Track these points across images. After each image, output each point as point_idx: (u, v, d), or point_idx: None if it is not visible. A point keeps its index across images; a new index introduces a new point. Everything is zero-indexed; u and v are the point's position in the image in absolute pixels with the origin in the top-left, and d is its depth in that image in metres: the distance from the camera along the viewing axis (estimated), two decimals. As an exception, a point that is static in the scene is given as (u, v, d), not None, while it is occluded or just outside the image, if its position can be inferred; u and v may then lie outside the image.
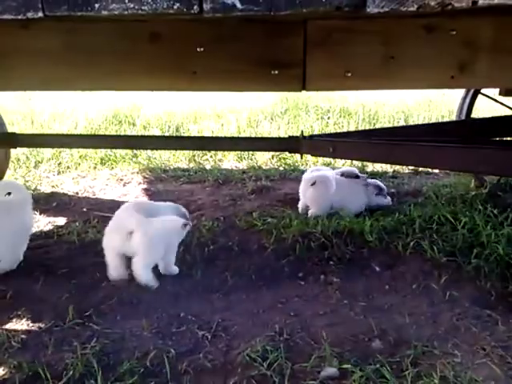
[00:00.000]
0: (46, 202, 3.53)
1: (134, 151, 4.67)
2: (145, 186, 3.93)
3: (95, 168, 4.44)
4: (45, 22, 1.77)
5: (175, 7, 1.42)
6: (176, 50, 1.90)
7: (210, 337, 1.88)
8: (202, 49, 1.88)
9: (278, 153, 4.44)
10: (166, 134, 5.28)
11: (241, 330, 1.93)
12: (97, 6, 1.43)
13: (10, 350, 1.83)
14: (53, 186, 3.98)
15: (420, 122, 5.46)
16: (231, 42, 1.89)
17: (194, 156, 4.69)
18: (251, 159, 4.59)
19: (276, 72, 1.87)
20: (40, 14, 1.46)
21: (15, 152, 4.30)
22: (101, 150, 4.59)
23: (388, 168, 4.10)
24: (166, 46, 1.89)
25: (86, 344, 1.82)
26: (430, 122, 5.44)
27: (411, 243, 2.52)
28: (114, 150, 4.60)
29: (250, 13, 1.43)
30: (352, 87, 1.97)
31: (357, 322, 1.97)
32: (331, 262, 2.46)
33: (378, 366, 1.66)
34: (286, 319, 1.99)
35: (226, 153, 4.70)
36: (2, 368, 1.72)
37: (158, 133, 5.39)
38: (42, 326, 1.98)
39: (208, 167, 4.41)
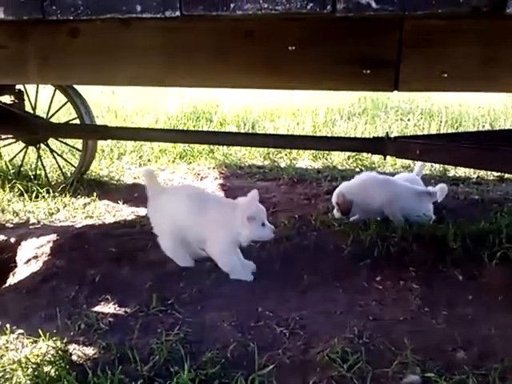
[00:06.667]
0: (128, 193, 3.70)
1: (211, 147, 4.77)
2: (221, 181, 4.00)
3: (174, 162, 4.58)
4: (146, 20, 1.84)
5: (308, 7, 1.44)
6: (268, 48, 1.92)
7: (288, 334, 1.89)
8: (293, 47, 1.88)
9: (354, 153, 4.37)
10: (243, 131, 5.35)
11: (318, 329, 1.92)
12: (232, 5, 1.47)
13: (99, 332, 1.93)
14: (134, 178, 4.16)
15: (507, 127, 5.18)
16: (323, 40, 1.88)
17: (268, 154, 4.72)
18: (326, 159, 4.55)
19: (368, 71, 1.83)
20: (177, 13, 1.53)
21: (100, 144, 4.51)
22: (179, 144, 4.73)
23: (472, 174, 3.93)
24: (259, 45, 1.91)
25: (170, 331, 1.89)
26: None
27: (498, 253, 2.40)
28: (191, 146, 4.72)
29: (384, 13, 1.42)
30: (447, 88, 1.90)
31: (439, 331, 1.90)
32: (411, 268, 2.39)
33: (463, 377, 1.60)
34: (365, 323, 1.96)
35: (300, 152, 4.69)
36: (92, 348, 1.82)
37: (233, 129, 5.47)
38: (127, 310, 2.08)
39: (282, 165, 4.43)
